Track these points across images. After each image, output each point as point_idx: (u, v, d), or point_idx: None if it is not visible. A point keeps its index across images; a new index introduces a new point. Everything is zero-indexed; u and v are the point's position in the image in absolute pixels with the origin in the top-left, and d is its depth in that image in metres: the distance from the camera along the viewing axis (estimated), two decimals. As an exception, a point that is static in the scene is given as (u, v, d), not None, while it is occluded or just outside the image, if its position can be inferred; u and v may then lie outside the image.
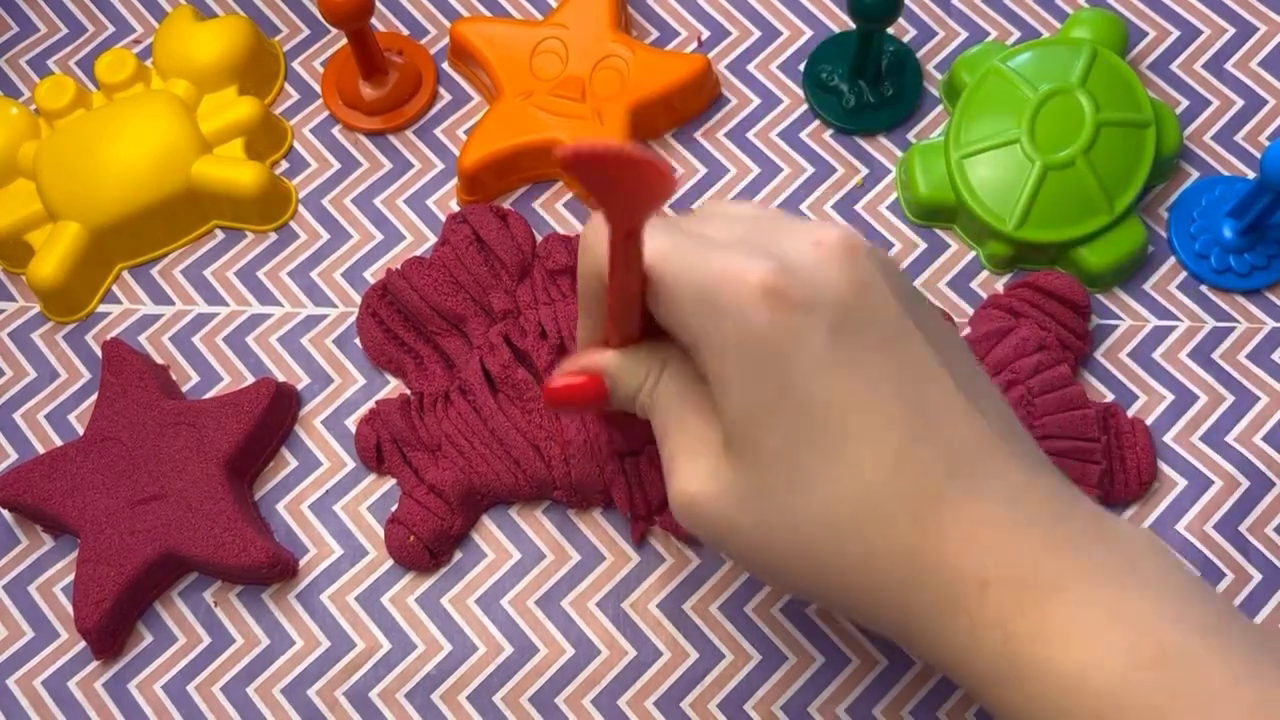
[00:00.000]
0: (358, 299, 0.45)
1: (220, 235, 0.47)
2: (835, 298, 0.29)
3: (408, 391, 0.44)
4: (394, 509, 0.42)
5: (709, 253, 0.30)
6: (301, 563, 0.42)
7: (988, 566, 0.28)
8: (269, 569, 0.40)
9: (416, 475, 0.42)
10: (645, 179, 0.26)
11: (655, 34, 0.49)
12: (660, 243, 0.30)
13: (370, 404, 0.44)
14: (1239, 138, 0.46)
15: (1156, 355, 0.43)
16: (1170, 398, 0.43)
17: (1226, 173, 0.46)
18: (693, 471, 0.31)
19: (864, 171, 0.47)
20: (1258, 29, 0.48)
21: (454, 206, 0.47)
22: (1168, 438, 0.42)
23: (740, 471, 0.30)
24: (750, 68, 0.48)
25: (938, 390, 0.29)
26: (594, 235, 0.31)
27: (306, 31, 0.50)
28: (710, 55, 0.49)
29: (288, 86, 0.49)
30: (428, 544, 0.41)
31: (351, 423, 0.44)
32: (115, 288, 0.46)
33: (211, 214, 0.47)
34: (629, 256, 0.29)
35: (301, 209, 0.47)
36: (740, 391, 0.29)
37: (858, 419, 0.29)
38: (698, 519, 0.31)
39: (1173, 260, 0.45)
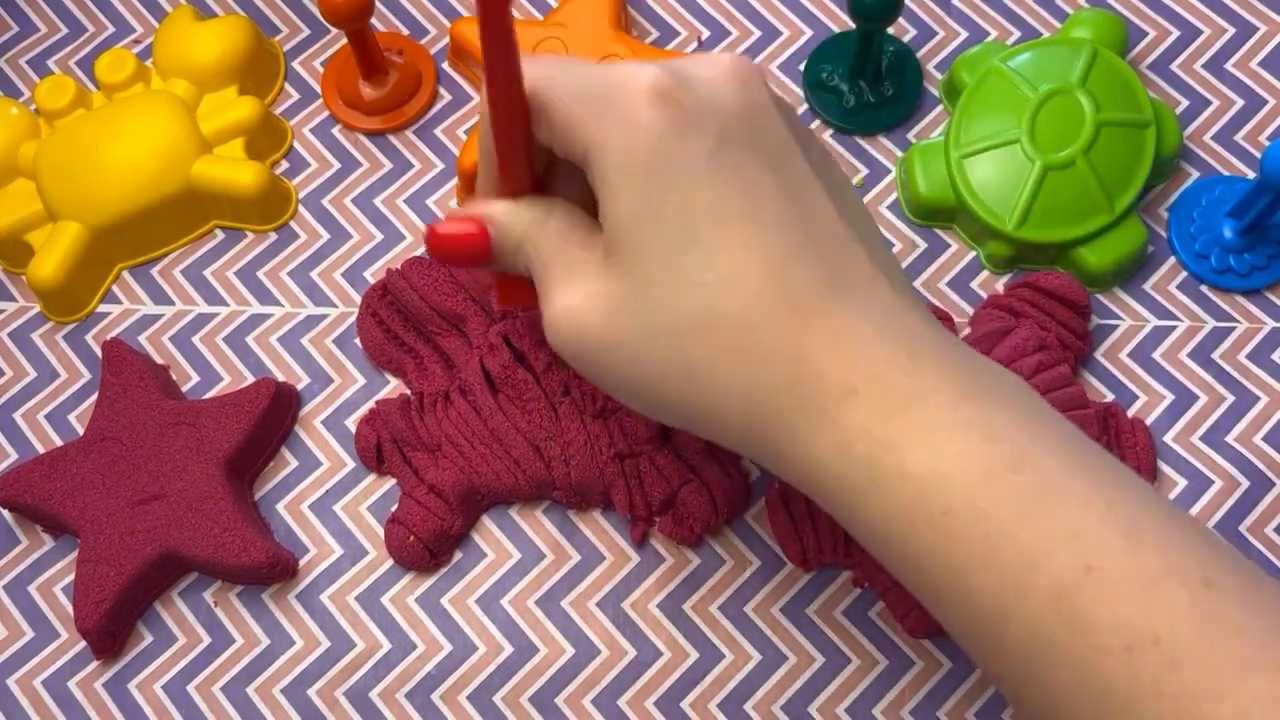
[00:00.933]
0: (358, 299, 0.45)
1: (220, 235, 0.47)
2: (725, 108, 0.29)
3: (408, 391, 0.44)
4: (394, 509, 0.42)
5: (601, 67, 0.30)
6: (301, 563, 0.42)
7: (855, 376, 0.28)
8: (269, 569, 0.40)
9: (416, 475, 0.42)
10: None
11: (655, 34, 0.49)
12: (546, 64, 0.31)
13: (370, 404, 0.44)
14: (1239, 138, 0.46)
15: (1156, 355, 0.43)
16: (1170, 398, 0.43)
17: (1226, 173, 0.46)
18: (569, 287, 0.31)
19: (864, 171, 0.47)
20: (1258, 29, 0.48)
21: (454, 206, 0.47)
22: (1168, 438, 0.42)
23: (620, 278, 0.30)
24: (750, 68, 0.48)
25: (819, 211, 0.30)
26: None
27: (306, 31, 0.50)
28: (710, 55, 0.48)
29: (288, 86, 0.49)
30: (428, 544, 0.41)
31: (351, 423, 0.44)
32: (115, 288, 0.46)
33: (211, 214, 0.47)
34: (506, 50, 0.29)
35: (301, 209, 0.47)
36: (625, 192, 0.29)
37: (741, 225, 0.29)
38: (575, 334, 0.31)
39: (1173, 260, 0.45)
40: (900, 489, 0.28)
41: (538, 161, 0.33)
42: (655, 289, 0.29)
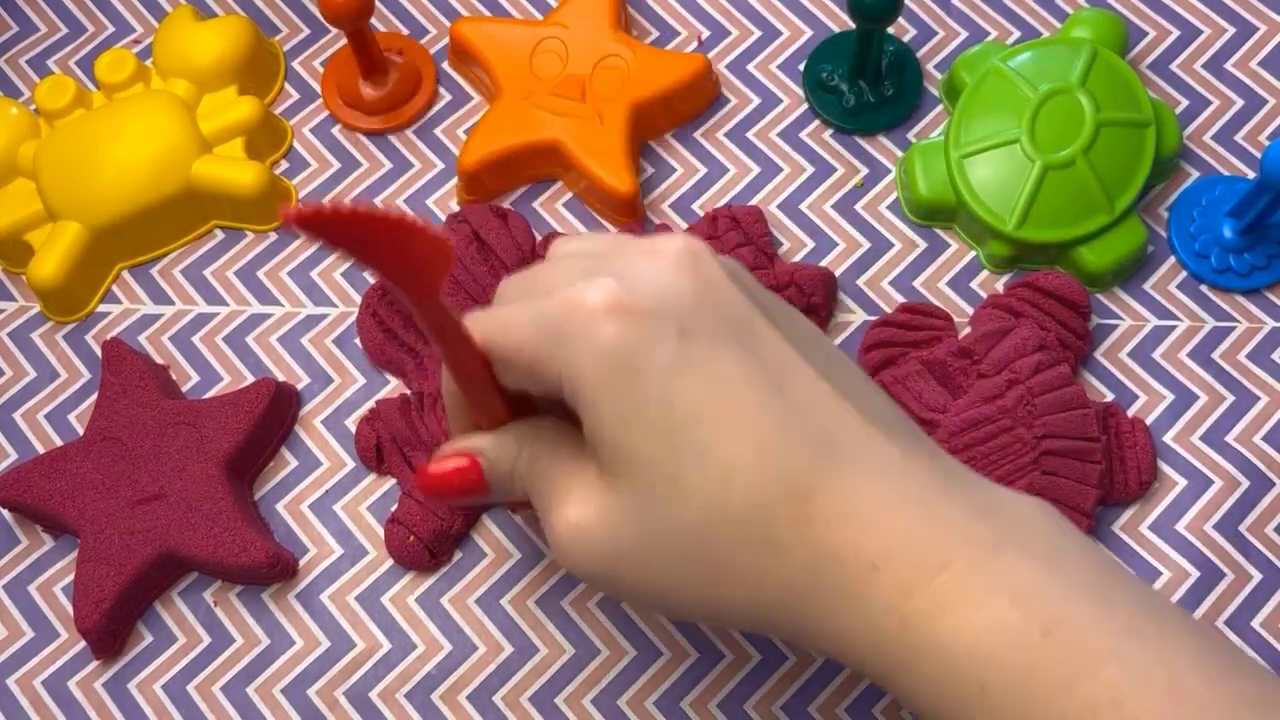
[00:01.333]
0: (358, 299, 0.45)
1: (220, 235, 0.47)
2: (679, 300, 0.29)
3: (408, 391, 0.44)
4: (394, 509, 0.42)
5: (546, 297, 0.30)
6: (301, 563, 0.42)
7: (873, 552, 0.28)
8: (269, 569, 0.40)
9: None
10: (400, 241, 0.25)
11: (655, 34, 0.49)
12: (493, 315, 0.31)
13: (370, 404, 0.44)
14: (1239, 138, 0.46)
15: (1156, 355, 0.43)
16: (1170, 398, 0.43)
17: (1226, 173, 0.46)
18: (570, 505, 0.31)
19: (864, 171, 0.47)
20: (1258, 29, 0.48)
21: (454, 206, 0.47)
22: (1168, 438, 0.42)
23: (617, 491, 0.30)
24: (750, 67, 0.48)
25: (797, 378, 0.29)
26: None
27: (306, 31, 0.50)
28: (710, 55, 0.49)
29: (288, 86, 0.49)
30: (428, 544, 0.41)
31: (351, 423, 0.44)
32: (115, 288, 0.46)
33: (211, 214, 0.47)
34: (443, 324, 0.29)
35: (301, 209, 0.47)
36: (605, 411, 0.29)
37: (723, 418, 0.28)
38: (582, 550, 0.31)
39: (1173, 260, 0.45)
40: (935, 663, 0.28)
41: (507, 393, 0.32)
42: (654, 498, 0.29)
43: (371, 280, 0.45)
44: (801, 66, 0.48)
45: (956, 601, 0.27)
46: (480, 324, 0.31)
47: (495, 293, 0.33)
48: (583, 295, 0.29)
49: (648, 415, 0.29)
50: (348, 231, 0.24)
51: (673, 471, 0.29)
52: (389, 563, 0.42)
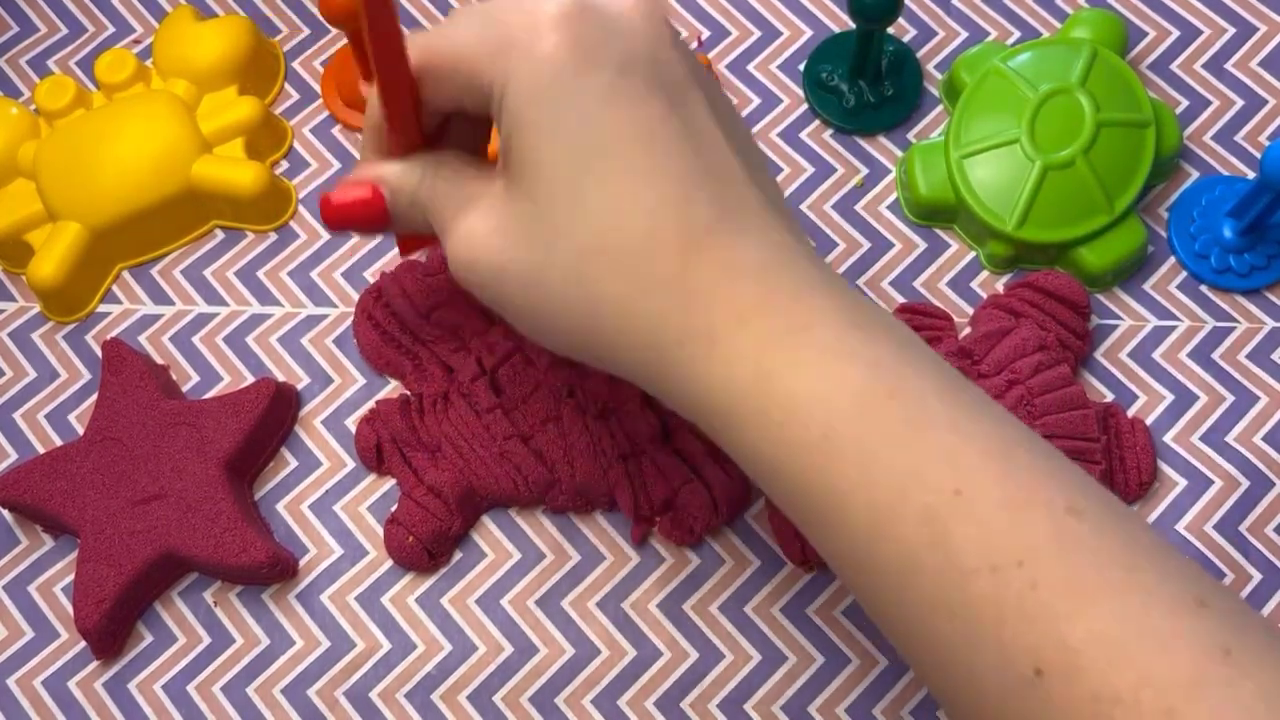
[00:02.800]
0: (358, 299, 0.45)
1: (220, 235, 0.47)
2: (628, 39, 0.30)
3: (408, 392, 0.44)
4: (393, 509, 0.42)
5: (503, 8, 0.30)
6: (301, 563, 0.42)
7: (744, 306, 0.29)
8: (269, 569, 0.40)
9: (416, 476, 0.42)
10: None
11: (655, 34, 0.49)
12: (435, 31, 0.31)
13: (370, 404, 0.44)
14: (1239, 138, 0.46)
15: (1156, 355, 0.43)
16: (1170, 398, 0.43)
17: (1226, 173, 0.46)
18: (469, 216, 0.32)
19: (864, 171, 0.47)
20: (1258, 29, 0.48)
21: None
22: (1168, 438, 0.42)
23: (521, 202, 0.30)
24: (750, 68, 0.48)
25: (716, 148, 0.30)
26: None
27: (306, 31, 0.50)
28: (710, 55, 0.48)
29: (288, 86, 0.49)
30: (427, 545, 0.41)
31: (351, 423, 0.44)
32: (115, 288, 0.46)
33: (211, 214, 0.47)
34: (388, 32, 0.29)
35: (301, 209, 0.47)
36: (526, 118, 0.30)
37: (639, 154, 0.29)
38: (476, 257, 0.31)
39: (1173, 260, 0.45)
40: (784, 413, 0.29)
41: (428, 123, 0.33)
42: (553, 211, 0.30)
43: (372, 280, 0.45)
44: (801, 66, 0.48)
45: (812, 359, 0.29)
46: (426, 36, 0.31)
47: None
48: (535, 5, 0.30)
49: (568, 130, 0.29)
50: None
51: (576, 191, 0.30)
52: (389, 563, 0.42)
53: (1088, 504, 0.27)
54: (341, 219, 0.34)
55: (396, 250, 0.46)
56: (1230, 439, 0.42)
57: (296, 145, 0.48)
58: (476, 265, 0.32)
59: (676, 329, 0.30)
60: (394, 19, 0.29)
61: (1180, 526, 0.41)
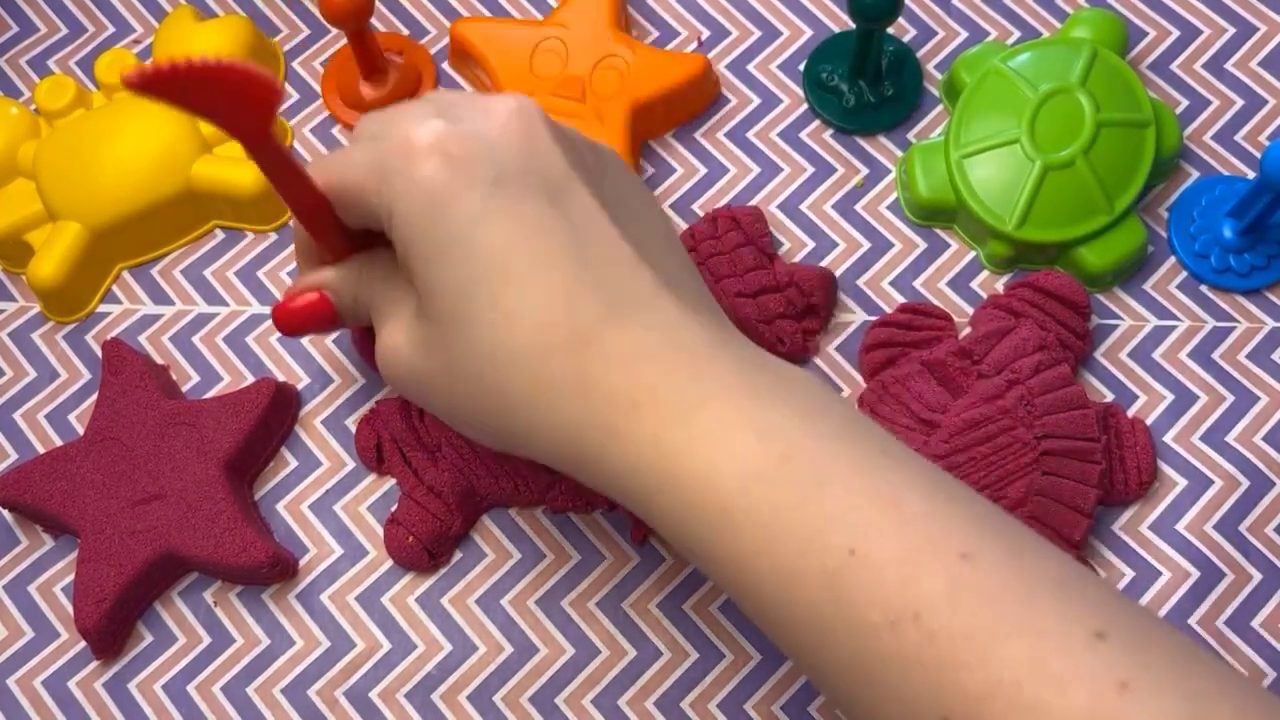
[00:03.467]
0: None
1: (220, 235, 0.47)
2: (500, 151, 0.31)
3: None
4: (393, 509, 0.42)
5: (385, 137, 0.32)
6: (301, 563, 0.42)
7: (638, 390, 0.30)
8: (269, 569, 0.40)
9: (416, 476, 0.42)
10: (229, 86, 0.27)
11: (655, 34, 0.49)
12: (331, 157, 0.34)
13: (370, 404, 0.44)
14: (1239, 138, 0.46)
15: (1156, 355, 0.43)
16: (1170, 398, 0.43)
17: (1226, 173, 0.46)
18: (391, 327, 0.34)
19: (864, 171, 0.47)
20: (1258, 29, 0.48)
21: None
22: (1168, 438, 0.42)
23: (425, 320, 0.32)
24: (750, 68, 0.48)
25: (601, 238, 0.32)
26: None
27: (306, 31, 0.50)
28: (710, 55, 0.49)
29: (288, 87, 0.49)
30: (427, 545, 0.41)
31: (351, 423, 0.44)
32: (115, 288, 0.46)
33: (211, 214, 0.47)
34: (278, 164, 0.31)
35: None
36: (414, 244, 0.31)
37: (521, 261, 0.31)
38: (396, 369, 0.34)
39: (1173, 260, 0.45)
40: (684, 490, 0.30)
41: (354, 228, 0.35)
42: (452, 329, 0.32)
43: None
44: (801, 66, 0.48)
45: (708, 435, 0.30)
46: (323, 164, 0.33)
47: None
48: (410, 134, 0.32)
49: (450, 254, 0.31)
50: (182, 85, 0.26)
51: (467, 308, 0.31)
52: (389, 563, 0.42)
53: (982, 545, 0.28)
54: (295, 324, 0.37)
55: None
56: (1230, 439, 0.42)
57: (296, 145, 0.48)
58: (396, 376, 0.34)
59: (580, 422, 0.31)
60: (280, 152, 0.31)
61: (1180, 526, 0.41)
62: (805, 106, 0.48)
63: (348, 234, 0.35)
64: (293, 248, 0.46)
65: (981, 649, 0.26)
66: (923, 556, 0.28)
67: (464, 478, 0.41)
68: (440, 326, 0.32)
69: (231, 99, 0.28)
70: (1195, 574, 0.40)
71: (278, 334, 0.45)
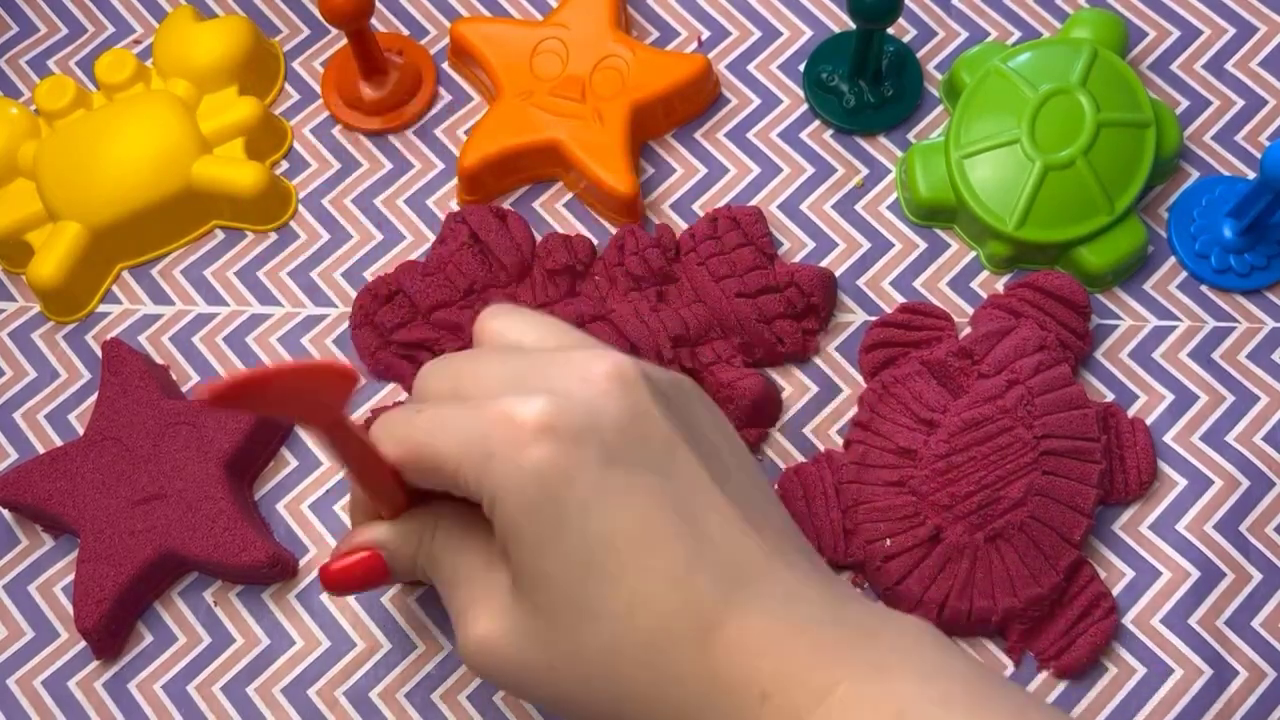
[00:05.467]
0: (353, 304, 0.45)
1: (220, 235, 0.47)
2: (606, 428, 0.30)
3: (405, 395, 0.44)
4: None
5: (478, 405, 0.31)
6: (301, 563, 0.42)
7: (764, 680, 0.29)
8: (269, 569, 0.40)
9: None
10: (318, 383, 0.26)
11: (655, 34, 0.49)
12: (412, 425, 0.31)
13: (368, 407, 0.44)
14: (1239, 138, 0.46)
15: (1156, 355, 0.43)
16: (1170, 398, 0.43)
17: (1226, 173, 0.46)
18: (482, 615, 0.32)
19: (864, 171, 0.47)
20: (1258, 29, 0.48)
21: (454, 206, 0.47)
22: (1168, 438, 0.42)
23: (527, 609, 0.31)
24: (750, 68, 0.48)
25: (710, 509, 0.31)
26: None
27: (306, 31, 0.50)
28: (710, 55, 0.48)
29: (288, 86, 0.49)
30: None
31: (351, 423, 0.44)
32: (115, 288, 0.46)
33: (211, 214, 0.47)
34: (348, 445, 0.30)
35: (301, 209, 0.47)
36: (521, 530, 0.30)
37: (634, 548, 0.30)
38: (490, 661, 0.32)
39: (1173, 260, 0.45)
40: None
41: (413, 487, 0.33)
42: (562, 621, 0.30)
43: (367, 280, 0.45)
44: (801, 66, 0.48)
45: None
46: (403, 430, 0.32)
47: (416, 383, 0.34)
48: (513, 411, 0.30)
49: (564, 543, 0.30)
50: (260, 394, 0.25)
51: (582, 600, 0.30)
52: (389, 563, 0.42)
53: None
54: (343, 585, 0.35)
55: (393, 258, 0.46)
56: (1230, 439, 0.42)
57: (296, 145, 0.48)
58: (492, 667, 0.32)
59: (703, 714, 0.30)
60: (352, 433, 0.30)
61: (1180, 526, 0.41)
62: (805, 106, 0.48)
63: (407, 494, 0.33)
64: (291, 248, 0.46)
65: None
66: None
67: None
68: (547, 620, 0.30)
69: (311, 399, 0.27)
70: (1195, 574, 0.40)
71: (278, 334, 0.45)
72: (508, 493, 0.30)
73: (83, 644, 0.41)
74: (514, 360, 0.32)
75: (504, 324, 0.34)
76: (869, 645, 0.30)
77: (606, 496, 0.30)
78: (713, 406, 0.34)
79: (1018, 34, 0.48)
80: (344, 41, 0.49)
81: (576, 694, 0.31)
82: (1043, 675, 0.39)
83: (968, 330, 0.43)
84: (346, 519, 0.42)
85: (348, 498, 0.43)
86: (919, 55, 0.48)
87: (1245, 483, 0.41)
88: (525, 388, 0.31)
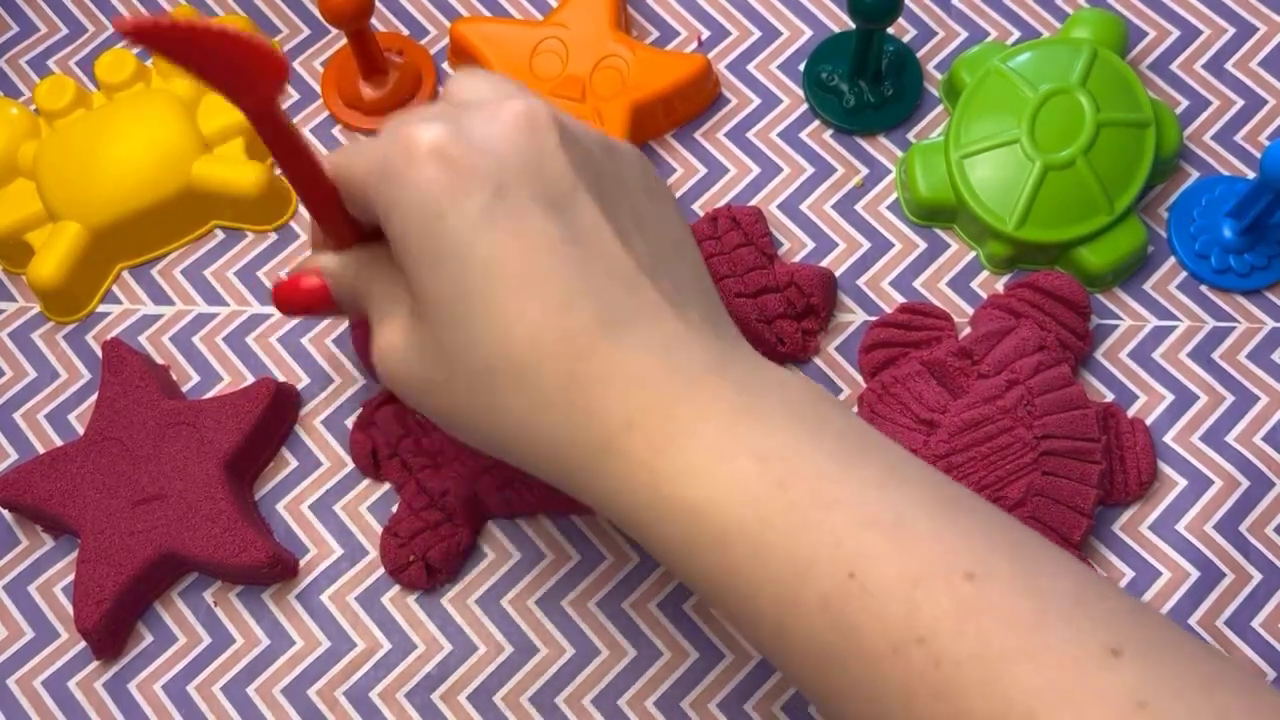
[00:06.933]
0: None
1: (220, 235, 0.47)
2: (504, 158, 0.31)
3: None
4: (393, 512, 0.42)
5: (392, 130, 0.32)
6: (301, 563, 0.42)
7: (631, 409, 0.30)
8: (269, 569, 0.40)
9: (419, 485, 0.41)
10: (231, 55, 0.27)
11: (655, 34, 0.49)
12: (345, 149, 0.33)
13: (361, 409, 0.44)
14: (1239, 138, 0.46)
15: (1156, 355, 0.43)
16: (1170, 398, 0.43)
17: (1226, 173, 0.46)
18: (388, 328, 0.33)
19: (864, 171, 0.47)
20: (1258, 29, 0.48)
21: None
22: (1168, 438, 0.42)
23: (421, 326, 0.32)
24: (750, 68, 0.48)
25: (603, 250, 0.31)
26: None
27: (306, 31, 0.50)
28: (710, 55, 0.48)
29: (288, 87, 0.49)
30: (432, 563, 0.41)
31: (351, 423, 0.44)
32: (115, 288, 0.46)
33: (211, 214, 0.47)
34: (284, 141, 0.31)
35: (301, 209, 0.47)
36: (411, 250, 0.31)
37: (515, 276, 0.30)
38: (392, 374, 0.33)
39: (1173, 260, 0.45)
40: (680, 518, 0.29)
41: (364, 220, 0.34)
42: (447, 338, 0.31)
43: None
44: (801, 66, 0.48)
45: (703, 460, 0.29)
46: (334, 154, 0.33)
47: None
48: (413, 135, 0.31)
49: (447, 264, 0.30)
50: (180, 42, 0.26)
51: (464, 320, 0.31)
52: (389, 563, 0.42)
53: (991, 563, 0.27)
54: (293, 305, 0.36)
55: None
56: (1230, 439, 0.42)
57: (296, 145, 0.48)
58: (392, 378, 0.33)
59: (571, 439, 0.30)
60: (287, 131, 0.31)
61: (1180, 526, 0.41)
62: (805, 106, 0.48)
63: (354, 224, 0.34)
64: (291, 248, 0.46)
65: (990, 673, 0.26)
66: (926, 579, 0.27)
67: (468, 487, 0.41)
68: (435, 332, 0.31)
69: (235, 69, 0.27)
70: (1195, 574, 0.40)
71: (278, 334, 0.45)
72: (396, 209, 0.31)
73: (83, 644, 0.41)
74: (439, 105, 0.33)
75: (461, 81, 0.35)
76: (744, 392, 0.30)
77: (492, 224, 0.30)
78: (655, 179, 0.34)
79: (1017, 34, 0.48)
80: (344, 41, 0.49)
81: (460, 410, 0.32)
82: (1043, 675, 0.39)
83: (968, 330, 0.43)
84: (347, 519, 0.42)
85: (349, 496, 0.43)
86: (919, 55, 0.48)
87: (1245, 483, 0.41)
88: (436, 118, 0.31)
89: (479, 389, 0.31)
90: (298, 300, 0.36)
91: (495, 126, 0.31)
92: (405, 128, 0.31)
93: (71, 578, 0.42)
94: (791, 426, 0.29)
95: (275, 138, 0.30)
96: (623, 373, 0.30)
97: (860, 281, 0.45)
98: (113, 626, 0.40)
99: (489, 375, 0.31)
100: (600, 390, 0.30)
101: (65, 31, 0.51)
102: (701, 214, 0.46)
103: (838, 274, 0.45)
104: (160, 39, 0.25)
